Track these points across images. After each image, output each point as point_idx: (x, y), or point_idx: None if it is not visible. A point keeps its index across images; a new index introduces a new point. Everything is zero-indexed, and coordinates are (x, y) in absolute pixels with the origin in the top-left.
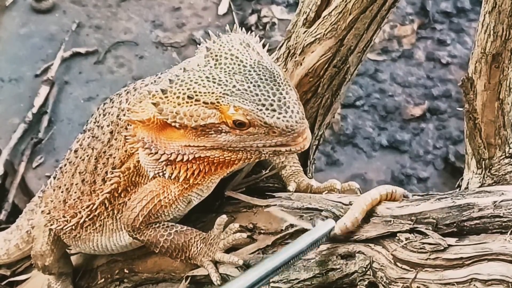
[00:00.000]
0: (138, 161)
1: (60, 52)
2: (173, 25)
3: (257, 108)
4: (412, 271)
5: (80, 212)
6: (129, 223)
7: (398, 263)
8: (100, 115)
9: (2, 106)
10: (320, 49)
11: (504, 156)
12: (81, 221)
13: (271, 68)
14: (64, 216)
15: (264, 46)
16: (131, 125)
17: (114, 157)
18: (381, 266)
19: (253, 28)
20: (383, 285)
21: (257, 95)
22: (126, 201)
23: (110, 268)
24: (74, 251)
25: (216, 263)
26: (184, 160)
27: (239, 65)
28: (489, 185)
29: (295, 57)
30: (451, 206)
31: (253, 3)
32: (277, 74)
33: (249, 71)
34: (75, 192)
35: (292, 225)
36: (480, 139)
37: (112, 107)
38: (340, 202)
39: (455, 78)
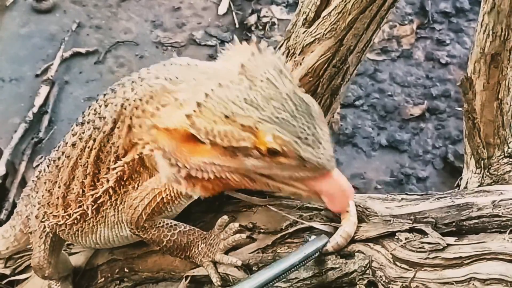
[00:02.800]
0: (142, 152)
1: (60, 51)
2: (173, 25)
3: (294, 141)
4: (411, 270)
5: (83, 204)
6: (133, 222)
7: (397, 262)
8: (101, 106)
9: (3, 106)
10: (319, 49)
11: (503, 156)
12: (85, 213)
13: (307, 100)
14: (65, 211)
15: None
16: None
17: (118, 146)
18: (380, 265)
19: (253, 28)
20: (382, 284)
21: (294, 126)
22: (129, 190)
23: (110, 267)
24: (75, 249)
25: (215, 263)
26: (205, 178)
27: (275, 91)
28: (488, 184)
29: (295, 57)
30: (450, 205)
31: (253, 3)
32: (312, 107)
33: (285, 99)
34: (76, 186)
35: (291, 224)
36: (479, 139)
37: (115, 97)
38: None
39: (454, 78)
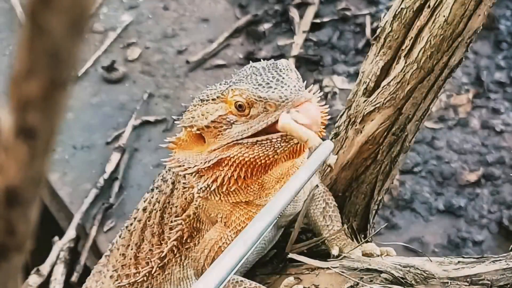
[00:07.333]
0: (196, 208)
1: (131, 120)
2: None
3: (253, 87)
4: None
5: (151, 261)
6: (198, 274)
7: None
8: (167, 171)
9: (75, 172)
10: (379, 117)
11: None
12: (153, 270)
13: (277, 62)
14: (136, 268)
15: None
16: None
17: (176, 206)
18: None
19: None
20: None
21: (256, 80)
22: (191, 247)
23: None
24: None
25: None
26: (210, 164)
27: (256, 69)
28: None
29: (356, 125)
30: (505, 268)
31: (315, 73)
32: (280, 63)
33: (259, 69)
34: (146, 245)
35: (352, 286)
36: None
37: None
38: (399, 264)
39: (508, 146)
